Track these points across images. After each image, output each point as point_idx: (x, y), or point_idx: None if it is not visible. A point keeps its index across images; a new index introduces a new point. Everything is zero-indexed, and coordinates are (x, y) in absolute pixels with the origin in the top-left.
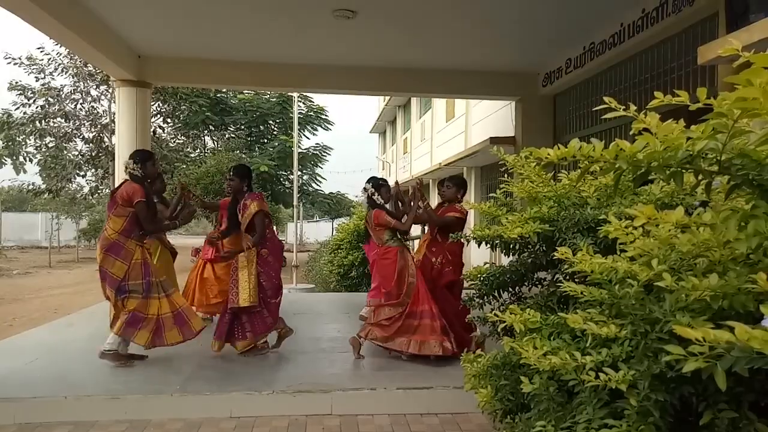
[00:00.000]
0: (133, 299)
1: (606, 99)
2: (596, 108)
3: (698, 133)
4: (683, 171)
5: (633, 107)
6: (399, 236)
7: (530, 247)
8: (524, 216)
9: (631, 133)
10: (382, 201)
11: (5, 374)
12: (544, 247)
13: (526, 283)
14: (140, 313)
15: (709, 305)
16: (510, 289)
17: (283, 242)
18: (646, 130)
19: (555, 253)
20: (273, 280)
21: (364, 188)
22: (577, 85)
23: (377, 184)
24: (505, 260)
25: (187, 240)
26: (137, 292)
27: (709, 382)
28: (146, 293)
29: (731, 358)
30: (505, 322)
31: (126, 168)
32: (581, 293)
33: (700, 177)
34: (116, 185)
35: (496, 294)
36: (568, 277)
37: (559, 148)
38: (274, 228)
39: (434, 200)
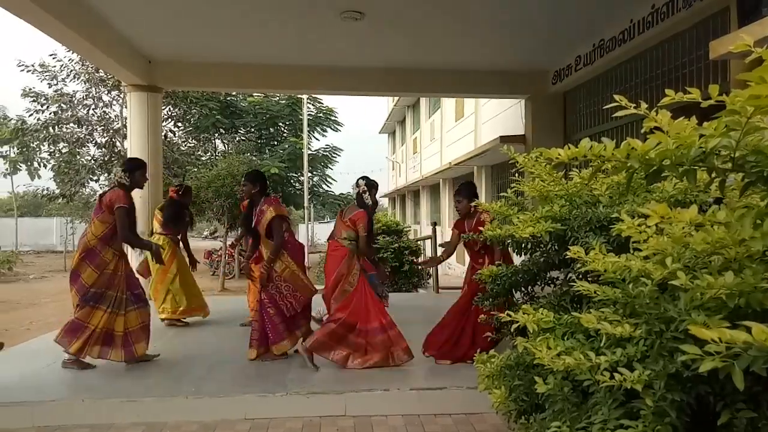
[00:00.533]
0: (88, 308)
1: (616, 97)
2: (607, 106)
3: (711, 131)
4: (696, 169)
5: (644, 105)
6: (355, 245)
7: (542, 246)
8: (536, 215)
9: (642, 131)
10: (370, 202)
11: (23, 378)
12: (556, 247)
13: (538, 283)
14: (81, 322)
15: (725, 303)
16: (522, 289)
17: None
18: (657, 128)
19: (567, 252)
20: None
21: (357, 183)
22: (587, 83)
23: (370, 183)
24: (517, 260)
25: (198, 243)
26: (93, 300)
27: (727, 382)
28: (96, 302)
29: (748, 358)
30: (518, 322)
31: (115, 175)
32: (594, 292)
33: (713, 174)
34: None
35: (508, 294)
36: (581, 277)
37: (569, 148)
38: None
39: (446, 201)
